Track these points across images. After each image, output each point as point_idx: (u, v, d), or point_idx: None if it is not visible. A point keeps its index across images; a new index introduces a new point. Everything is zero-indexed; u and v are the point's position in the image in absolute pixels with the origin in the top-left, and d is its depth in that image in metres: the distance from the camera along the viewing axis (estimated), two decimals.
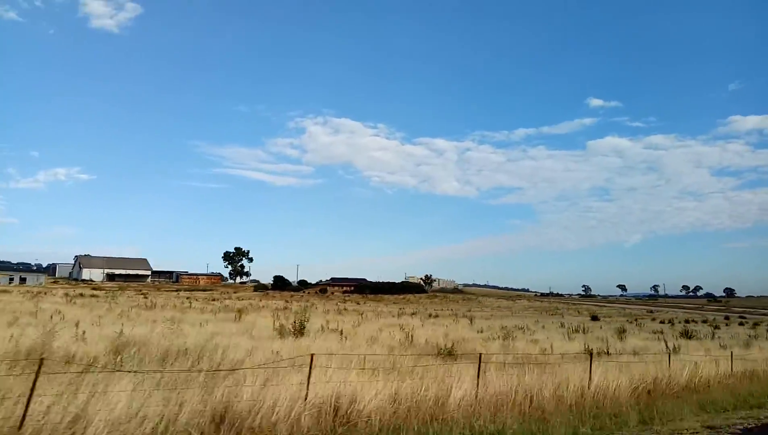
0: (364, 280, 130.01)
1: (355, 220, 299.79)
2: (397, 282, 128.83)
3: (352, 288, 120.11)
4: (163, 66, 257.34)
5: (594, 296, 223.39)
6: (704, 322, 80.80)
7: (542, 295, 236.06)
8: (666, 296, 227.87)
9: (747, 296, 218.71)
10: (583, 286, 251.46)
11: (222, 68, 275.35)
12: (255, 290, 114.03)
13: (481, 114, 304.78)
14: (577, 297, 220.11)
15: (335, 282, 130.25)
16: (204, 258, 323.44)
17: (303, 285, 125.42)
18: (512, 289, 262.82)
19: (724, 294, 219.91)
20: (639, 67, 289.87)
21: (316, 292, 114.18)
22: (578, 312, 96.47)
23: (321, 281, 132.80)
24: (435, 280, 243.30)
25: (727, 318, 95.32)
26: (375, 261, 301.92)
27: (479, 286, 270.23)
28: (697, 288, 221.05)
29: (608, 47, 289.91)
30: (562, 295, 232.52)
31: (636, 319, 68.24)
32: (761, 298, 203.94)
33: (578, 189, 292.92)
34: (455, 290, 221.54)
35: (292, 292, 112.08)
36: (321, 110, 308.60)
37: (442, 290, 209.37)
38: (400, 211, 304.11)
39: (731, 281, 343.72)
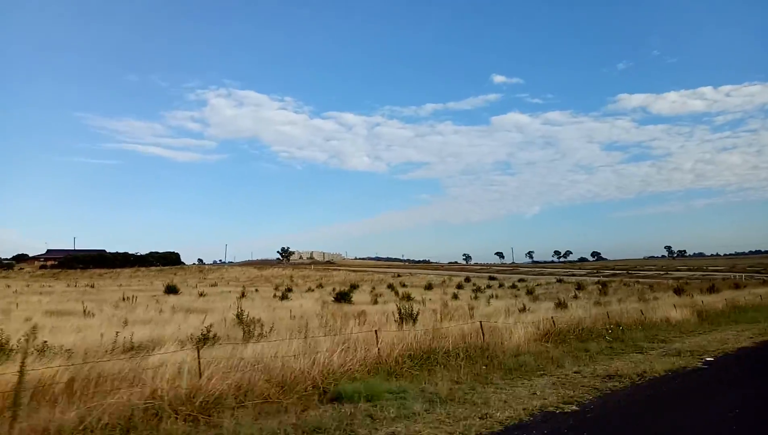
0: (103, 251, 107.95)
1: (261, 196, 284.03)
2: (144, 253, 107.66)
3: (57, 262, 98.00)
4: (39, 32, 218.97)
5: (459, 263, 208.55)
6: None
7: (415, 262, 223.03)
8: (538, 262, 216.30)
9: (623, 259, 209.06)
10: (464, 254, 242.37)
11: (108, 34, 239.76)
12: None
13: (389, 89, 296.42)
14: (446, 264, 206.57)
15: (51, 254, 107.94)
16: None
17: (17, 259, 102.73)
18: (412, 262, 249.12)
19: (593, 257, 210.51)
20: (539, 45, 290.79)
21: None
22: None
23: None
24: (294, 253, 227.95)
25: (492, 278, 80.00)
26: (276, 238, 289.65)
27: (372, 259, 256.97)
28: (567, 253, 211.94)
29: (511, 24, 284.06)
30: (430, 262, 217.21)
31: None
32: (626, 260, 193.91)
33: (483, 163, 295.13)
34: (325, 262, 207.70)
35: None
36: (223, 81, 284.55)
37: (314, 262, 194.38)
38: (310, 187, 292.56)
39: (614, 247, 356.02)
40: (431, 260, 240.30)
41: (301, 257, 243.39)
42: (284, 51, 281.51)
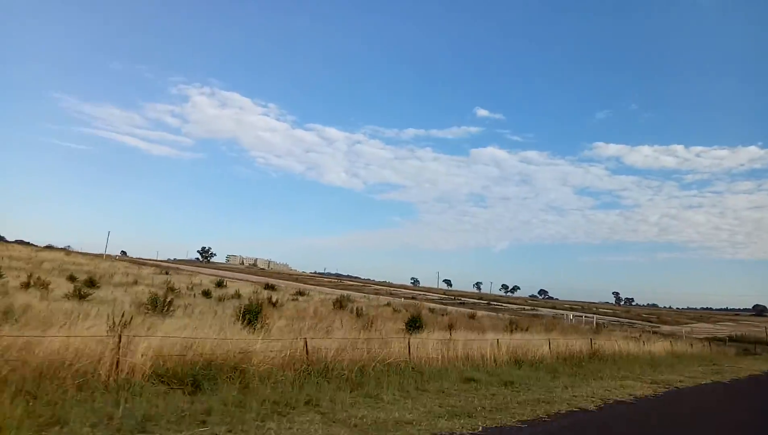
0: None
1: (233, 200, 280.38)
2: None
3: None
4: (27, 4, 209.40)
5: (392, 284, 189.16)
6: None
7: (371, 281, 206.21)
8: (485, 293, 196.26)
9: (571, 300, 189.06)
10: (412, 278, 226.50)
11: (97, 18, 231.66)
12: None
13: (374, 109, 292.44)
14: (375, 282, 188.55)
15: None
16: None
17: None
18: (369, 281, 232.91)
19: (540, 295, 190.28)
20: (523, 85, 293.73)
21: None
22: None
23: None
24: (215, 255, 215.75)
25: (269, 288, 58.81)
26: (240, 242, 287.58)
27: (326, 274, 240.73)
28: (515, 288, 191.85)
29: (499, 60, 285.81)
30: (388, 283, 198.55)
31: None
32: (575, 302, 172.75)
33: (458, 193, 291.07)
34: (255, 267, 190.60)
35: None
36: (208, 80, 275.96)
37: (250, 266, 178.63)
38: (283, 197, 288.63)
39: (569, 288, 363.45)
40: (391, 281, 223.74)
41: (242, 262, 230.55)
42: (274, 58, 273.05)
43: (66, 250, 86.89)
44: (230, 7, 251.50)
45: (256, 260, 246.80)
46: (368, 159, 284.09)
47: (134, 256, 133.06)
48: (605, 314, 78.12)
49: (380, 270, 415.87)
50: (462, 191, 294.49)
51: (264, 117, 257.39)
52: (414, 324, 22.34)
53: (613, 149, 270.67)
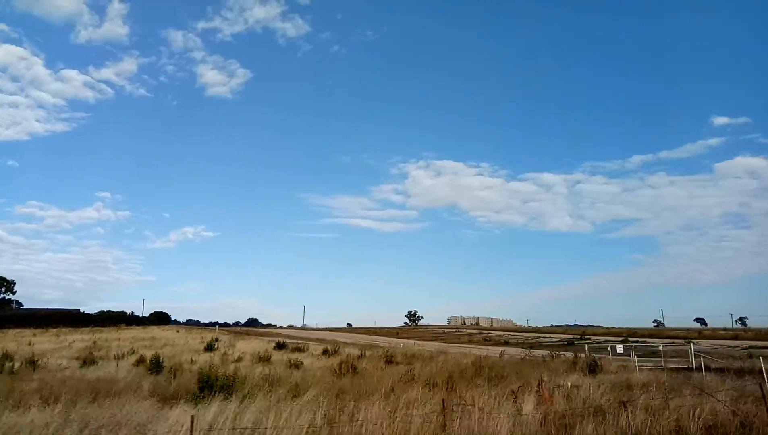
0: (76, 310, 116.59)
1: (458, 263, 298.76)
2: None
3: None
4: (271, 126, 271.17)
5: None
6: None
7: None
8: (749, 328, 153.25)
9: None
10: (654, 321, 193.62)
11: (325, 123, 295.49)
12: None
13: (589, 145, 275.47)
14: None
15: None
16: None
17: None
18: (611, 329, 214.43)
19: None
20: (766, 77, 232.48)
21: None
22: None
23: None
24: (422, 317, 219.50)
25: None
26: (466, 304, 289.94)
27: (570, 326, 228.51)
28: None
29: (729, 56, 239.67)
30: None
31: None
32: None
33: (707, 216, 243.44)
34: (473, 325, 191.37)
35: None
36: (422, 154, 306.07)
37: (458, 327, 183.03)
38: (509, 251, 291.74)
39: None
40: (631, 327, 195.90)
41: (464, 323, 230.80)
42: (477, 118, 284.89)
43: (178, 327, 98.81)
44: (430, 85, 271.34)
45: (478, 319, 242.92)
46: (593, 198, 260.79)
47: (315, 326, 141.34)
48: None
49: (622, 316, 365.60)
50: (713, 214, 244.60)
51: (478, 177, 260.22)
52: None
53: None
